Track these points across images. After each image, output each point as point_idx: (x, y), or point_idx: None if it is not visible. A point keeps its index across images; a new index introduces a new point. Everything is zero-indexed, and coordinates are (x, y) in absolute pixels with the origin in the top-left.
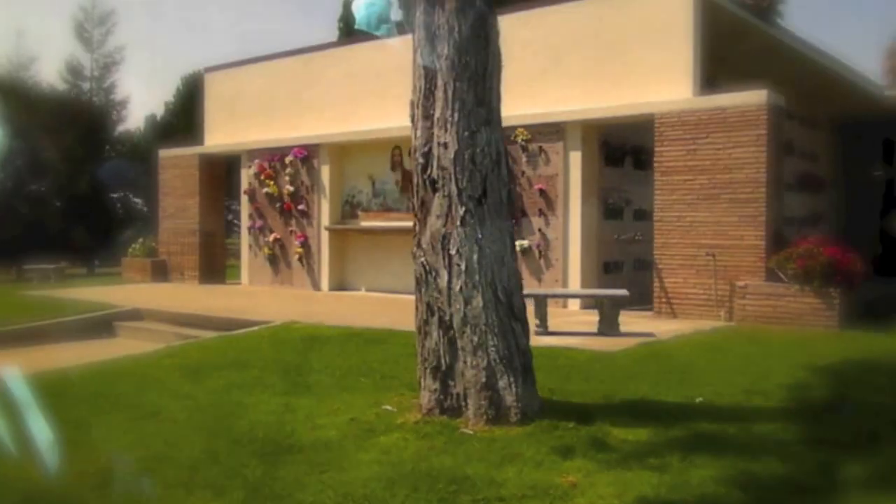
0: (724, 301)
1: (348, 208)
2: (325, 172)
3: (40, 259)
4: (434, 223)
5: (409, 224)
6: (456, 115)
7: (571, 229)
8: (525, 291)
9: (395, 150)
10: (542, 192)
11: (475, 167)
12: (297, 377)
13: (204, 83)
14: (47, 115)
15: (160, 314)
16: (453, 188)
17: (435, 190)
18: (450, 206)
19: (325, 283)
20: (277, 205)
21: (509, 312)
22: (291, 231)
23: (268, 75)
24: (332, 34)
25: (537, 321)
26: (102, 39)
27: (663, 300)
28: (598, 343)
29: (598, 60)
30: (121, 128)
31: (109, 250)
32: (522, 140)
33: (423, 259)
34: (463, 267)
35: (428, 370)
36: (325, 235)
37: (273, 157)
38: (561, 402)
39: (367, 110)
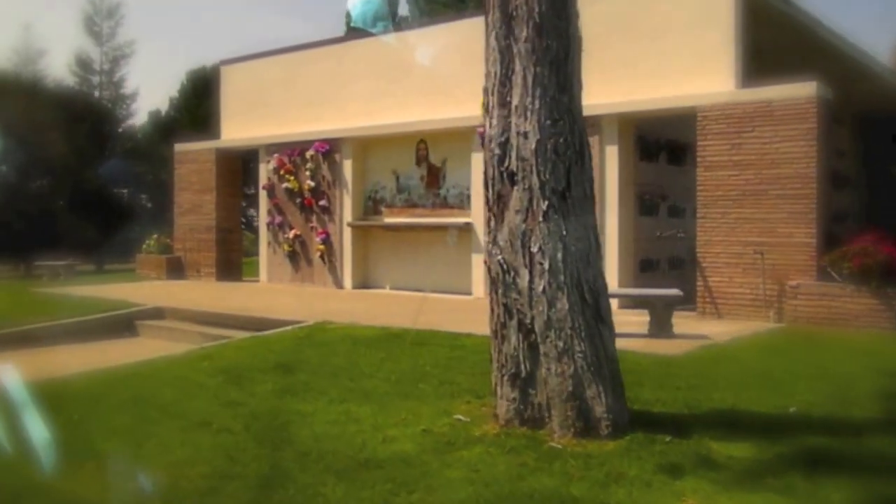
0: (772, 301)
1: (371, 204)
2: (348, 167)
3: (47, 256)
4: (512, 219)
5: (436, 220)
6: (537, 102)
7: (608, 226)
8: None
9: (421, 144)
10: None
11: (558, 158)
12: (348, 382)
13: (220, 76)
14: (51, 110)
15: (182, 313)
16: (535, 181)
17: (513, 183)
18: (531, 201)
19: (347, 280)
20: (297, 200)
21: (596, 315)
22: (312, 227)
23: (287, 68)
24: (339, 29)
25: None
26: (112, 32)
27: (707, 300)
28: (654, 346)
29: (635, 51)
30: (129, 122)
31: (117, 247)
32: None
33: (500, 257)
34: (546, 266)
35: (505, 377)
36: (347, 232)
37: (293, 152)
38: (644, 412)
39: (391, 103)
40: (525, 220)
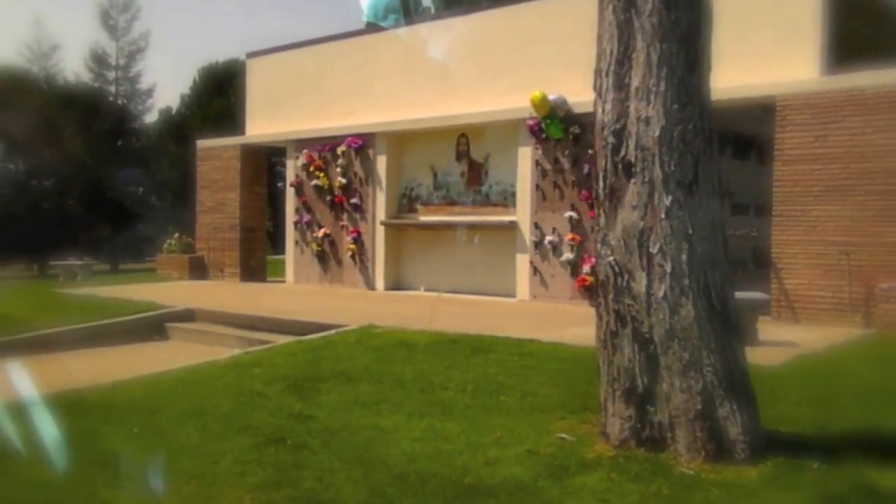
0: (858, 305)
1: (406, 202)
2: (382, 163)
3: (62, 255)
4: (628, 215)
5: (477, 219)
6: (662, 83)
7: None
8: None
9: (461, 138)
10: None
11: (685, 147)
12: (420, 394)
13: (245, 70)
14: (63, 107)
15: (214, 315)
16: (657, 172)
17: (630, 175)
18: (651, 195)
19: (379, 281)
20: (328, 198)
21: (725, 323)
22: (343, 226)
23: (317, 60)
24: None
25: None
26: (128, 26)
27: (783, 304)
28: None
29: None
30: (145, 119)
31: (131, 247)
32: None
33: (611, 259)
34: (668, 268)
35: (618, 393)
36: (380, 231)
37: (323, 147)
38: (772, 431)
39: (428, 96)
40: (643, 217)
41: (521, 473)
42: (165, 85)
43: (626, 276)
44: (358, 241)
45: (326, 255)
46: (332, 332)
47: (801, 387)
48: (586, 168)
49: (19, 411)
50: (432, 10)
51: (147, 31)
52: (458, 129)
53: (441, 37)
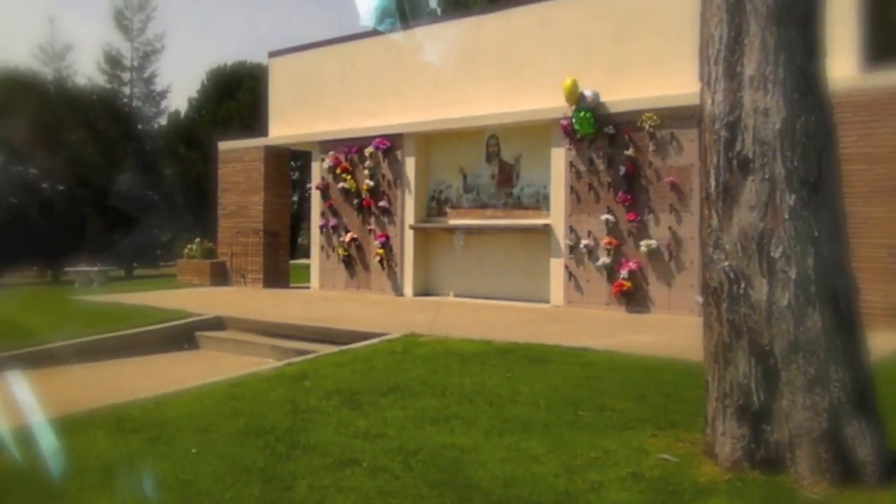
0: None
1: (435, 205)
2: (410, 165)
3: (74, 261)
4: (745, 216)
5: (508, 222)
6: (781, 71)
7: None
8: (701, 299)
9: (491, 139)
10: (673, 185)
11: (808, 141)
12: (490, 408)
13: (268, 69)
14: (72, 110)
15: (244, 323)
16: (778, 169)
17: (747, 172)
18: (772, 194)
19: (408, 287)
20: (355, 201)
21: (852, 334)
22: (370, 230)
23: (342, 59)
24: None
25: None
26: (143, 27)
27: None
28: None
29: None
30: (161, 120)
31: (147, 252)
32: (650, 126)
33: (725, 264)
34: (792, 275)
35: (730, 410)
36: (409, 235)
37: (350, 149)
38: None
39: (457, 95)
40: (763, 218)
41: (631, 501)
42: (175, 88)
43: (743, 283)
44: (386, 245)
45: (353, 261)
46: (375, 340)
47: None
48: (622, 169)
49: (63, 430)
50: (438, 13)
51: (162, 33)
52: (488, 130)
53: (469, 35)
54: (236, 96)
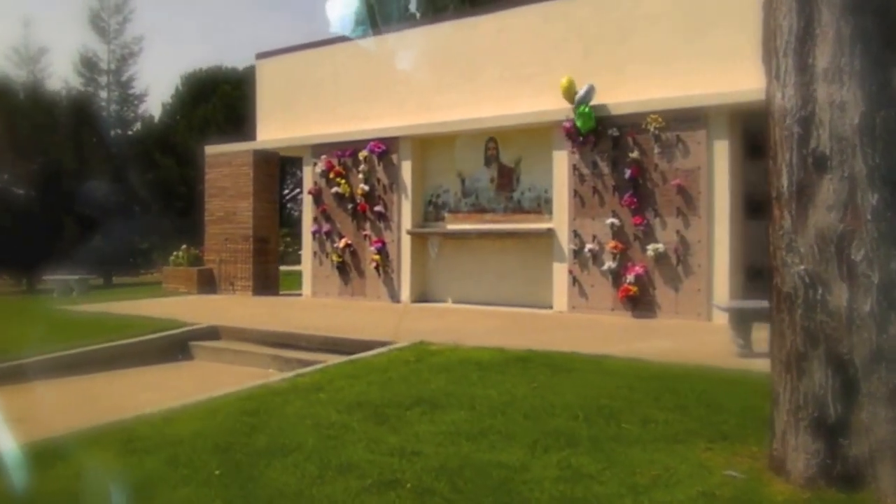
0: None
1: (432, 209)
2: (406, 169)
3: (51, 269)
4: (822, 217)
5: (509, 227)
6: (857, 62)
7: (717, 231)
8: (723, 305)
9: (490, 142)
10: (679, 188)
11: (890, 136)
12: (526, 421)
13: (255, 72)
14: (45, 115)
15: (241, 332)
16: (858, 167)
17: (823, 170)
18: (852, 193)
19: (405, 294)
20: (349, 206)
21: None
22: (366, 235)
23: (335, 61)
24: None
25: (741, 341)
26: (119, 29)
27: None
28: None
29: (746, 34)
30: (139, 125)
31: (126, 260)
32: (655, 128)
33: (800, 268)
34: (875, 279)
35: (804, 423)
36: (406, 240)
37: (344, 153)
38: None
39: (455, 98)
40: (842, 219)
41: None
42: (154, 92)
43: (820, 289)
44: (382, 251)
45: (347, 267)
46: (384, 349)
47: None
48: (627, 172)
49: (69, 450)
50: (417, 17)
51: (140, 35)
52: (487, 133)
53: (466, 37)
54: (212, 101)
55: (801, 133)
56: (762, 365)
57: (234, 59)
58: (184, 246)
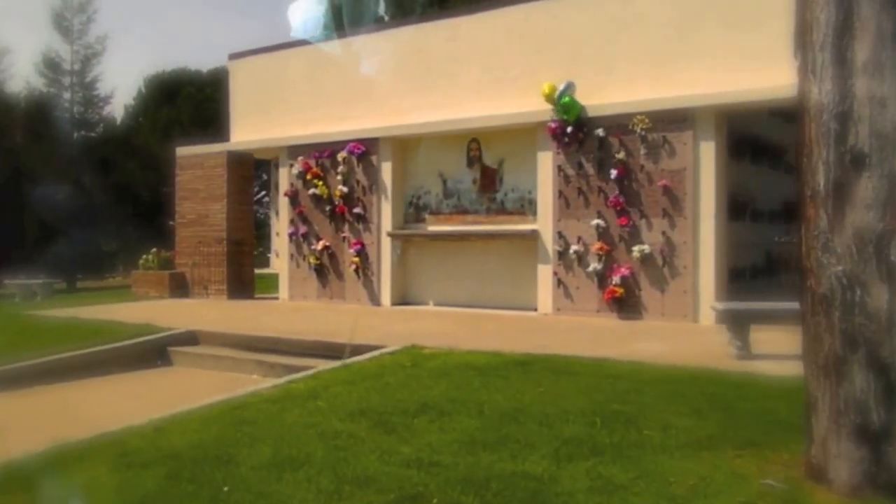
0: None
1: (412, 211)
2: (387, 170)
3: (9, 273)
4: (860, 217)
5: (492, 228)
6: None
7: (703, 232)
8: (721, 306)
9: (472, 143)
10: (665, 188)
11: None
12: (541, 428)
13: (228, 73)
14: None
15: (220, 337)
16: None
17: (862, 168)
18: (891, 191)
19: (385, 296)
20: (327, 208)
21: None
22: (344, 237)
23: (311, 60)
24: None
25: (738, 343)
26: (83, 28)
27: None
28: None
29: (733, 34)
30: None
31: (91, 263)
32: (642, 129)
33: (837, 269)
34: None
35: (845, 430)
36: (386, 242)
37: (322, 154)
38: None
39: (436, 98)
40: (882, 219)
41: None
42: (119, 93)
43: (858, 290)
44: (361, 253)
45: (326, 270)
46: (375, 353)
47: None
48: (613, 173)
49: (59, 465)
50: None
51: (104, 35)
52: (469, 134)
53: (448, 37)
54: (176, 103)
55: (838, 129)
56: (764, 367)
57: (199, 61)
58: (154, 249)
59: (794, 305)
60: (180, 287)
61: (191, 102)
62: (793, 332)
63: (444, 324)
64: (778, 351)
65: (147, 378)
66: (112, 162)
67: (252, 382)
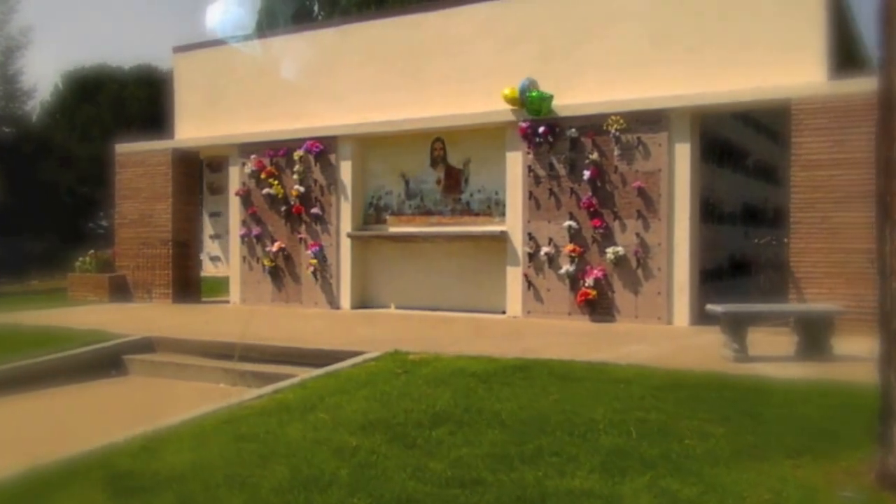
0: None
1: (373, 212)
2: (346, 169)
3: None
4: None
5: (458, 229)
6: None
7: (677, 234)
8: (721, 308)
9: (437, 142)
10: (640, 190)
11: None
12: (573, 439)
13: (173, 66)
14: None
15: (179, 344)
16: None
17: None
18: None
19: (345, 300)
20: (282, 208)
21: None
22: (301, 239)
23: (265, 55)
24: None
25: (736, 345)
26: (4, 19)
27: None
28: (839, 372)
29: (707, 36)
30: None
31: (12, 265)
32: (616, 130)
33: None
34: None
35: None
36: (345, 244)
37: (276, 152)
38: None
39: (399, 96)
40: None
41: None
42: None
43: None
44: (319, 255)
45: (281, 272)
46: (358, 360)
47: None
48: (586, 174)
49: (45, 490)
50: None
51: (28, 27)
52: (433, 133)
53: (410, 33)
54: (97, 100)
55: None
56: (766, 370)
57: (122, 58)
58: (91, 251)
59: (791, 307)
60: (121, 290)
61: (114, 99)
62: (780, 334)
63: (412, 328)
64: (772, 353)
65: (103, 389)
66: (28, 160)
67: (220, 392)
